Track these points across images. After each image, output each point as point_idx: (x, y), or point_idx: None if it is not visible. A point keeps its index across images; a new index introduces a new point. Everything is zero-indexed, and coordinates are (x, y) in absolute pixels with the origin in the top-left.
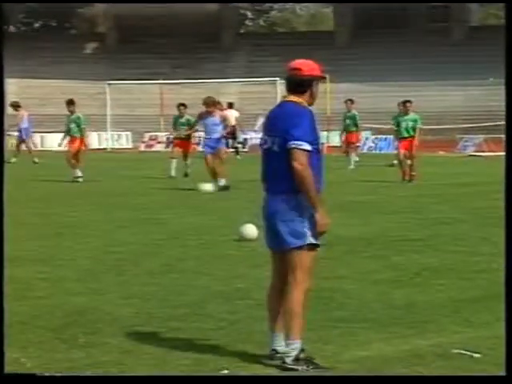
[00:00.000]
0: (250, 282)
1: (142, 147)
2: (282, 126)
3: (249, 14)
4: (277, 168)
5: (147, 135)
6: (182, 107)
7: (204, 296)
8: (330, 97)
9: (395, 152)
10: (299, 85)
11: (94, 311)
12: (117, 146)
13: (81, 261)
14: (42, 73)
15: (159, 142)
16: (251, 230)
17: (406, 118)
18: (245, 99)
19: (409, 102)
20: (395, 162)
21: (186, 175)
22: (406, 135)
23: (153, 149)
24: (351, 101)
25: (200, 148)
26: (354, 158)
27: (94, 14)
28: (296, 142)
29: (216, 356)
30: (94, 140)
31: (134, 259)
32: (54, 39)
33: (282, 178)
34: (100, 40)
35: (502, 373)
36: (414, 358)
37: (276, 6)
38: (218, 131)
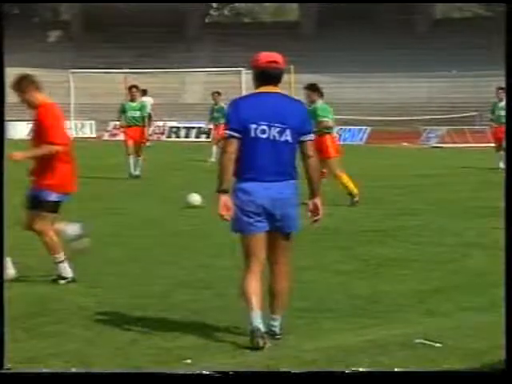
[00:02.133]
0: (213, 272)
1: (106, 136)
2: (295, 118)
3: (214, 4)
4: (286, 157)
5: (111, 124)
6: (134, 89)
7: (168, 286)
8: (294, 87)
9: None
10: (279, 77)
11: (57, 301)
12: (80, 135)
13: (44, 250)
14: (5, 61)
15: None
16: (197, 198)
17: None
18: (209, 89)
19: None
20: None
21: (136, 176)
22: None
23: (117, 138)
24: (218, 93)
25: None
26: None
27: (58, 3)
28: (312, 136)
29: (180, 345)
30: None
31: (97, 249)
32: (16, 27)
33: (290, 166)
34: (64, 28)
35: (463, 363)
36: (376, 348)
37: None
38: None
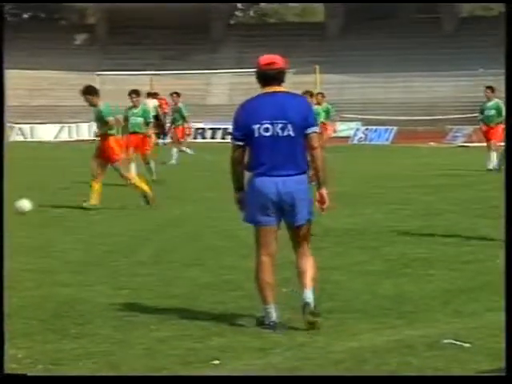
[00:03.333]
0: (239, 273)
1: None
2: (297, 113)
3: (239, 4)
4: (292, 152)
5: None
6: (133, 95)
7: (194, 287)
8: (320, 87)
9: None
10: (280, 77)
11: (84, 302)
12: None
13: (70, 252)
14: (32, 64)
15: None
16: (26, 204)
17: None
18: (235, 90)
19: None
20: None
21: (153, 181)
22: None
23: None
24: (177, 94)
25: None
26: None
27: (84, 6)
28: (316, 128)
29: (208, 346)
30: (84, 130)
31: (122, 250)
32: (43, 30)
33: (298, 160)
34: (90, 31)
35: (492, 364)
36: (404, 348)
37: None
38: None
